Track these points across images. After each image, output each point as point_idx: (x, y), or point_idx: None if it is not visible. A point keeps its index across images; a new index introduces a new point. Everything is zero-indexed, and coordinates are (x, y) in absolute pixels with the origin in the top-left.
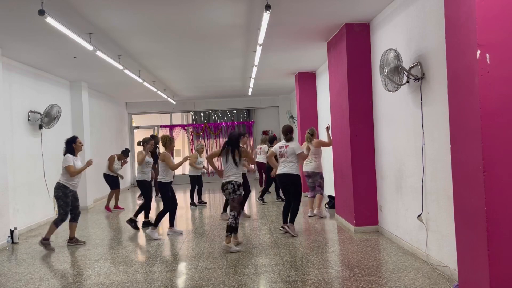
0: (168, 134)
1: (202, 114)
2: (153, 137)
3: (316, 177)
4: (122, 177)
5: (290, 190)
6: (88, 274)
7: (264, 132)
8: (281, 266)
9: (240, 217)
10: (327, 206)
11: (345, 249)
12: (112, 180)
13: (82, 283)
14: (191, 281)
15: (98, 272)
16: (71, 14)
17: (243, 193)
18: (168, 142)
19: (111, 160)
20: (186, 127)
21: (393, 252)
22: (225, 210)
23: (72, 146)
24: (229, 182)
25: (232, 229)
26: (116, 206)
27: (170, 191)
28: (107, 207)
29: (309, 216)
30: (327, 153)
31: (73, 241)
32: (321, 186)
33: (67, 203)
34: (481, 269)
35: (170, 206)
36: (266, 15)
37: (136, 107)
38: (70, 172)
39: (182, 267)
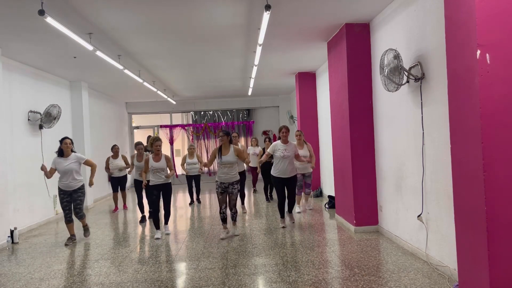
0: (168, 134)
1: (202, 113)
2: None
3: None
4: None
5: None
6: (88, 274)
7: (264, 132)
8: (281, 266)
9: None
10: (327, 206)
11: (345, 249)
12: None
13: (82, 283)
14: (191, 281)
15: (98, 272)
16: (71, 14)
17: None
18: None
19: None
20: (186, 127)
21: (393, 252)
22: (242, 203)
23: (60, 147)
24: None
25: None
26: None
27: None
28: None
29: (297, 213)
30: (327, 153)
31: (71, 239)
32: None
33: (61, 203)
34: (481, 269)
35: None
36: (266, 15)
37: (136, 107)
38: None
39: (182, 267)
